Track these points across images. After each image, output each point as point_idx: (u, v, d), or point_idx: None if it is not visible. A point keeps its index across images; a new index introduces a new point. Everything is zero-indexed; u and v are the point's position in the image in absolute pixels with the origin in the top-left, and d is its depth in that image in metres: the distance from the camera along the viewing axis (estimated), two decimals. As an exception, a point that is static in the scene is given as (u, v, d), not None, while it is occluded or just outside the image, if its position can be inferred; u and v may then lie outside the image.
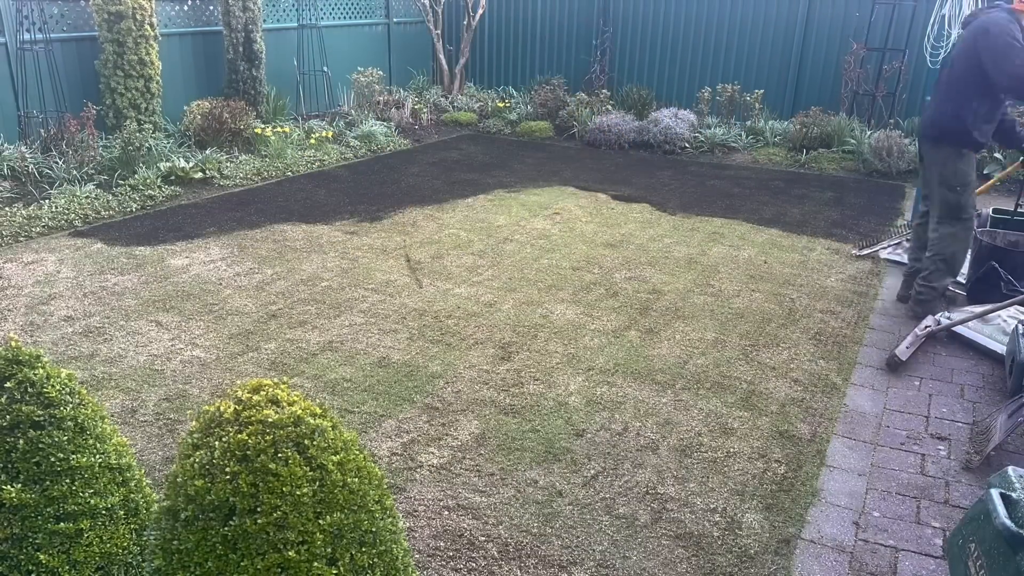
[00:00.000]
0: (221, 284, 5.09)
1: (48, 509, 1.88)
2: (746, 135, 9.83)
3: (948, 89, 4.71)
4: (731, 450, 3.42)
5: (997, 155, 8.41)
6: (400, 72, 11.84)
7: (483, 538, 2.84)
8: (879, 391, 4.01)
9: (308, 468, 1.60)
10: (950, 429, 3.67)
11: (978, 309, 4.61)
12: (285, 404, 1.66)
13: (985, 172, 8.42)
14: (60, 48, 7.53)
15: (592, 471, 3.24)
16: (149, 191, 6.85)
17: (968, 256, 5.14)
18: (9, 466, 1.87)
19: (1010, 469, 2.19)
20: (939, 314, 4.74)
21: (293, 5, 9.93)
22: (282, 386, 1.71)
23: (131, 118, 7.65)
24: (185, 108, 8.41)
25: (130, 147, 7.24)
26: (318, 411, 1.69)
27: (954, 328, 4.54)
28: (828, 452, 3.44)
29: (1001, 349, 4.31)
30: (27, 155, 6.92)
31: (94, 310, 4.64)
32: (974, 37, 4.56)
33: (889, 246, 6.05)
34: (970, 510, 2.22)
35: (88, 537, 1.92)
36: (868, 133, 9.11)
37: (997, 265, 4.93)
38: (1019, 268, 4.90)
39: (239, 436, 1.58)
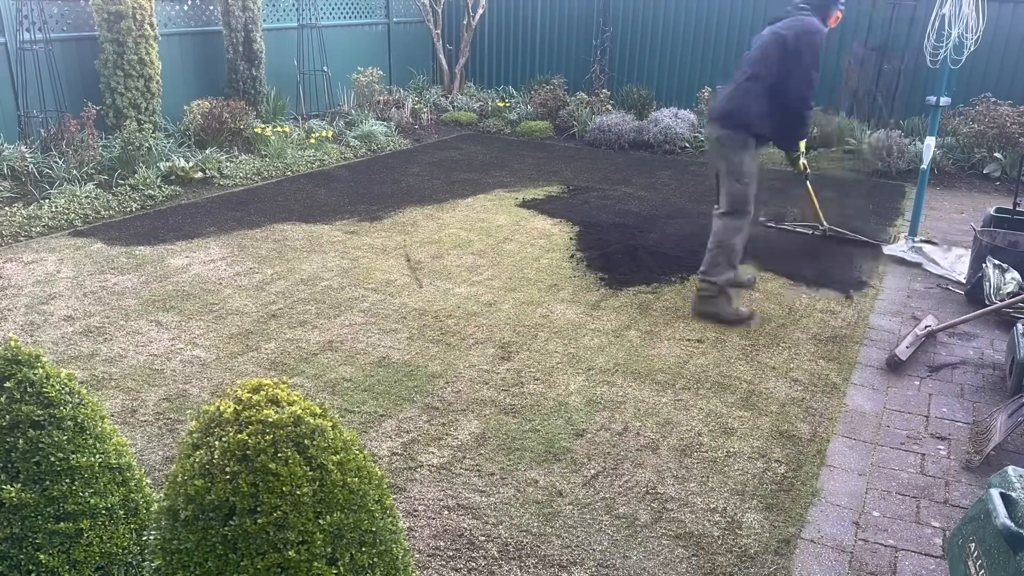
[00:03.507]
0: (221, 284, 5.09)
1: (48, 509, 1.88)
2: (746, 135, 9.81)
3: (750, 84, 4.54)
4: (731, 450, 3.42)
5: (997, 155, 8.40)
6: (400, 72, 11.84)
7: (483, 538, 2.84)
8: (879, 391, 4.01)
9: (308, 468, 1.60)
10: (950, 429, 3.67)
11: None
12: (285, 404, 1.66)
13: (985, 172, 8.43)
14: (60, 48, 7.53)
15: (592, 471, 3.24)
16: (149, 191, 6.85)
17: (970, 255, 5.12)
18: (9, 466, 1.87)
19: (1010, 469, 2.19)
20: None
21: (293, 5, 9.93)
22: (282, 386, 1.71)
23: (131, 118, 7.64)
24: (185, 108, 8.41)
25: (130, 147, 7.23)
26: (318, 411, 1.69)
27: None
28: (828, 452, 3.44)
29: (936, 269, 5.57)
30: (27, 155, 6.92)
31: (94, 310, 4.64)
32: (796, 36, 4.42)
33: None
34: (970, 510, 2.22)
35: (88, 537, 1.92)
36: (868, 133, 9.11)
37: (997, 265, 4.93)
38: (1019, 268, 4.91)
39: (239, 436, 1.57)
